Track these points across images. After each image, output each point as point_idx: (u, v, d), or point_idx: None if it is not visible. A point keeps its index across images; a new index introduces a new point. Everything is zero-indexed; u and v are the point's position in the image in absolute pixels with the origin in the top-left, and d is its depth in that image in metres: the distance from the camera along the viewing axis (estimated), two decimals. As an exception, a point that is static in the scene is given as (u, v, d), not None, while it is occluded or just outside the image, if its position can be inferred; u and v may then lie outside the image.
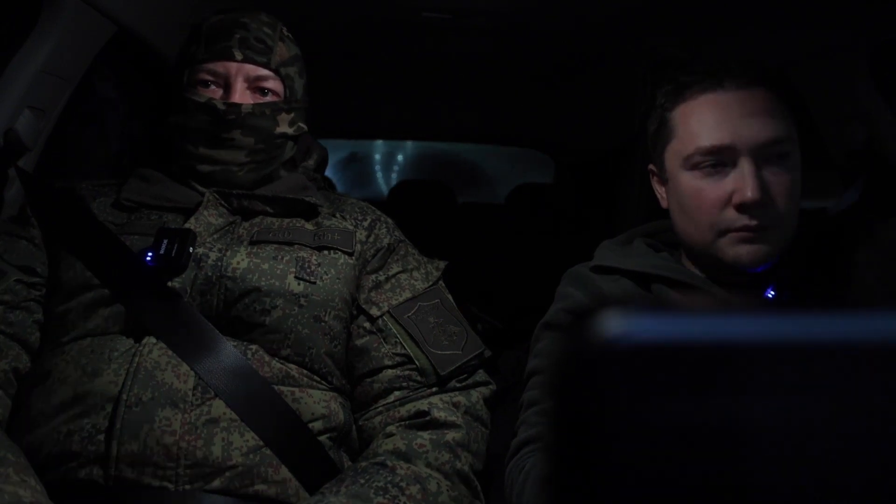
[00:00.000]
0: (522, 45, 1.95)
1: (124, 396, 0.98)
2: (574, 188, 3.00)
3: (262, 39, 1.20)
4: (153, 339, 1.03)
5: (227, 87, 1.18)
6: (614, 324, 0.27)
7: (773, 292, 1.00)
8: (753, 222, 0.96)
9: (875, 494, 0.26)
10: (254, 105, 1.17)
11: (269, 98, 1.20)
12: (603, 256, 1.12)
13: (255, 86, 1.19)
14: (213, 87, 1.18)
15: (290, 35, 1.26)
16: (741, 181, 0.96)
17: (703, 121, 0.99)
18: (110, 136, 1.83)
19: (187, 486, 0.96)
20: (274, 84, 1.20)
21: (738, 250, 0.98)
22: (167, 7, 1.50)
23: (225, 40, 1.18)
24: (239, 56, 1.18)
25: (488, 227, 2.83)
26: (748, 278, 1.03)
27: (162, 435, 0.96)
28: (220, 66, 1.18)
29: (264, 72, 1.19)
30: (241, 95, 1.18)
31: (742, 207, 0.96)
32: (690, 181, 1.01)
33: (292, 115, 1.23)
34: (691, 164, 1.00)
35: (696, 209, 1.00)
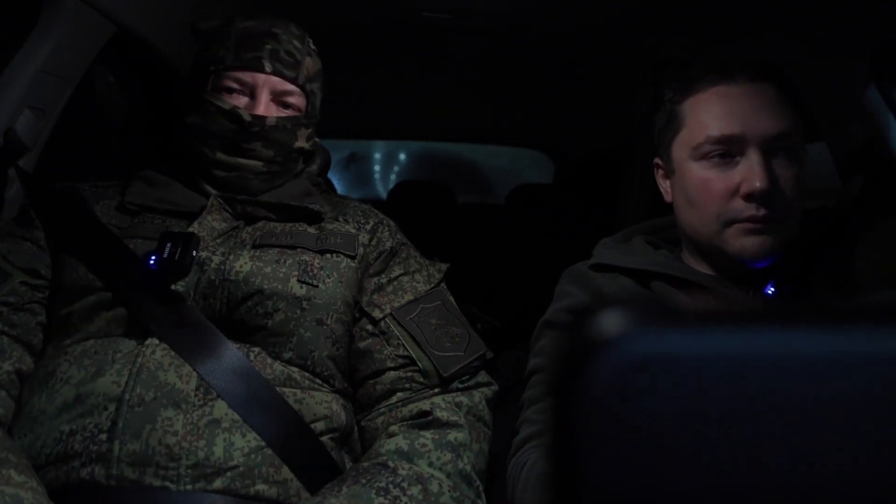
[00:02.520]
0: (522, 45, 1.95)
1: (127, 396, 0.98)
2: (574, 188, 3.00)
3: (292, 53, 1.20)
4: (156, 341, 1.03)
5: (253, 96, 1.17)
6: (614, 323, 0.27)
7: (773, 288, 1.00)
8: (761, 212, 0.97)
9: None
10: (277, 119, 1.18)
11: (290, 112, 1.20)
12: (602, 254, 1.12)
13: (279, 99, 1.19)
14: (237, 94, 1.18)
15: (316, 48, 1.26)
16: (750, 171, 0.97)
17: (713, 111, 1.00)
18: (110, 137, 1.83)
19: (189, 487, 0.96)
20: (297, 99, 1.21)
21: (743, 242, 0.99)
22: (167, 7, 1.50)
23: (256, 50, 1.17)
24: (269, 68, 1.17)
25: (488, 228, 2.82)
26: (749, 274, 1.03)
27: (164, 435, 0.96)
28: (248, 76, 1.17)
29: (291, 87, 1.19)
30: (266, 107, 1.17)
31: (750, 197, 0.97)
32: (698, 171, 1.01)
33: (310, 129, 1.24)
34: (700, 154, 1.01)
35: (703, 199, 1.01)
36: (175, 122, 1.23)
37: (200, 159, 1.19)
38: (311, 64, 1.23)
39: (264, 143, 1.17)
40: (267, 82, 1.17)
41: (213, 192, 1.19)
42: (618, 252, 1.11)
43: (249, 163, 1.18)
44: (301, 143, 1.22)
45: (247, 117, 1.15)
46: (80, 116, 1.54)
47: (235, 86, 1.18)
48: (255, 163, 1.18)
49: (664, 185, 1.10)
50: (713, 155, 1.00)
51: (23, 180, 1.23)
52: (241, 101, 1.18)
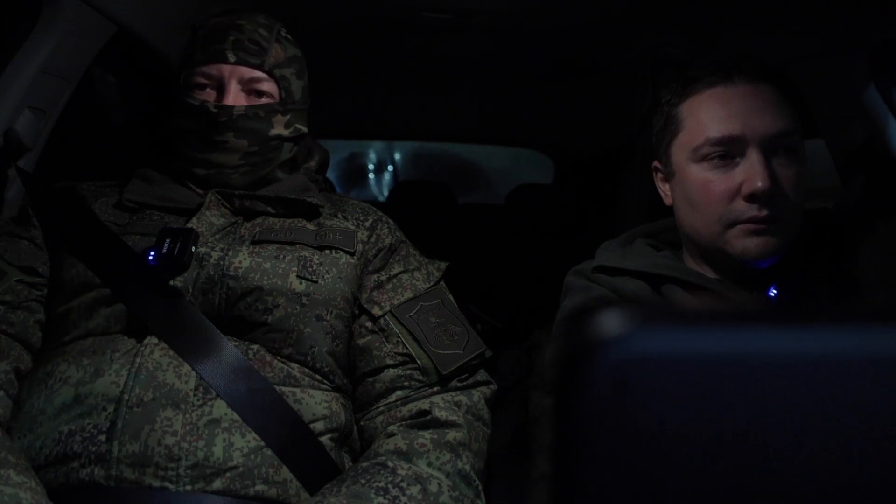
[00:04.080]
0: (522, 45, 1.95)
1: (125, 397, 0.98)
2: (574, 188, 3.00)
3: (257, 41, 1.20)
4: (154, 340, 1.03)
5: (221, 89, 1.18)
6: (613, 323, 0.27)
7: (775, 290, 1.00)
8: (763, 213, 0.97)
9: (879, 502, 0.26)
10: (246, 107, 1.18)
11: (263, 100, 1.20)
12: (605, 257, 1.12)
13: (249, 88, 1.19)
14: (207, 89, 1.19)
15: (289, 36, 1.26)
16: (751, 172, 0.96)
17: (712, 112, 1.00)
18: (110, 137, 1.83)
19: (188, 487, 0.96)
20: (268, 86, 1.20)
21: (746, 243, 0.98)
22: (167, 7, 1.50)
23: (219, 42, 1.19)
24: (232, 58, 1.18)
25: (488, 228, 2.83)
26: (751, 275, 1.03)
27: (163, 435, 0.96)
28: (213, 69, 1.18)
29: (258, 73, 1.19)
30: (235, 97, 1.18)
31: (752, 198, 0.97)
32: (699, 173, 1.01)
33: (288, 116, 1.23)
34: (700, 156, 1.00)
35: (705, 201, 1.00)
36: (163, 124, 1.24)
37: (184, 159, 1.20)
38: (279, 50, 1.23)
39: (236, 133, 1.17)
40: (233, 73, 1.18)
41: (201, 191, 1.19)
42: (620, 255, 1.11)
43: (226, 157, 1.18)
44: (279, 129, 1.22)
45: (213, 109, 1.16)
46: (80, 116, 1.54)
47: (204, 80, 1.19)
48: (230, 156, 1.18)
49: (664, 188, 1.10)
50: (713, 156, 0.99)
51: (23, 180, 1.23)
52: (212, 95, 1.19)
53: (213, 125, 1.16)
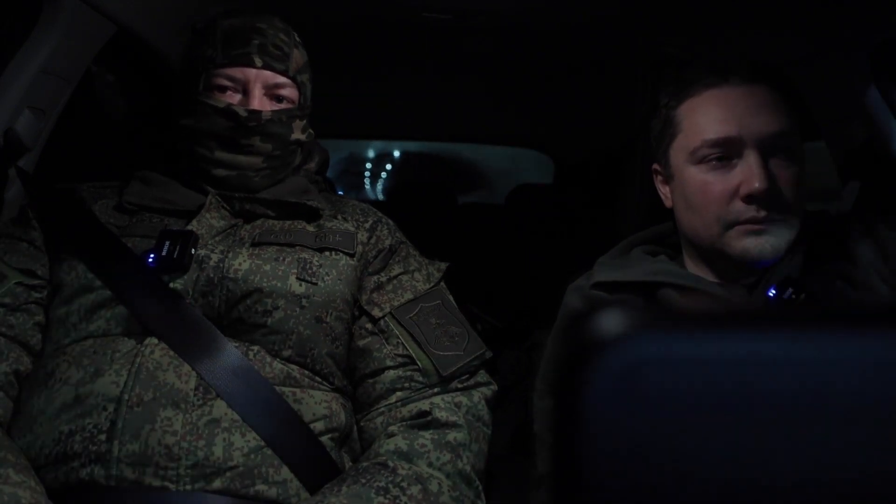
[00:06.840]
0: (522, 45, 1.95)
1: (126, 396, 0.98)
2: (574, 188, 3.00)
3: (280, 46, 1.20)
4: (155, 340, 1.03)
5: (246, 92, 1.18)
6: (613, 324, 0.27)
7: (774, 291, 1.00)
8: (761, 213, 0.97)
9: None
10: (272, 112, 1.18)
11: (284, 105, 1.21)
12: (602, 273, 1.11)
13: (272, 93, 1.19)
14: (230, 91, 1.18)
15: (301, 41, 1.26)
16: (748, 172, 0.97)
17: (709, 115, 1.00)
18: (110, 137, 1.83)
19: (188, 487, 0.96)
20: (290, 91, 1.21)
21: (745, 243, 0.99)
22: (167, 7, 1.50)
23: (243, 46, 1.18)
24: (259, 62, 1.18)
25: (488, 228, 2.83)
26: (750, 277, 1.03)
27: (163, 435, 0.96)
28: (238, 72, 1.18)
29: (282, 79, 1.20)
30: (260, 102, 1.18)
31: (750, 199, 0.97)
32: (697, 175, 1.01)
33: (304, 121, 1.24)
34: (698, 158, 1.01)
35: (703, 203, 1.01)
36: (171, 124, 1.23)
37: (198, 160, 1.19)
38: (298, 56, 1.23)
39: (262, 137, 1.18)
40: (259, 77, 1.18)
41: (212, 190, 1.19)
42: (616, 267, 1.11)
43: (250, 160, 1.19)
44: (297, 134, 1.23)
45: (243, 113, 1.16)
46: (80, 116, 1.54)
47: (228, 83, 1.18)
48: (254, 159, 1.19)
49: (664, 191, 1.10)
50: (711, 158, 1.00)
51: (23, 181, 1.23)
52: (235, 98, 1.18)
53: (242, 129, 1.16)
